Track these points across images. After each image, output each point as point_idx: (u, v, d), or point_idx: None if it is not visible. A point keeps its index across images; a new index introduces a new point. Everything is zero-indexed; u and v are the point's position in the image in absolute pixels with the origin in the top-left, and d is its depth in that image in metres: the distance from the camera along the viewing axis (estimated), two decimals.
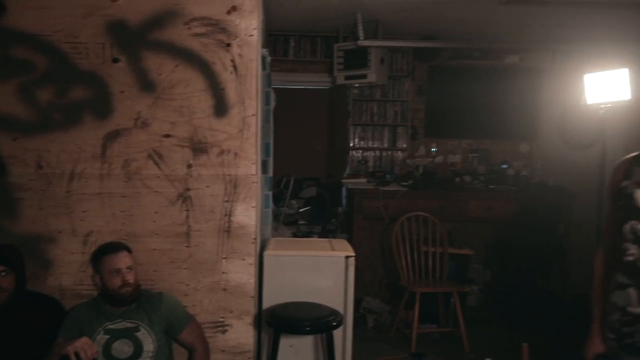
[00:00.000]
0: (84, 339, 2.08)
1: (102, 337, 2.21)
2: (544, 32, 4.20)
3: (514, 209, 4.19)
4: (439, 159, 4.59)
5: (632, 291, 1.56)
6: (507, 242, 4.29)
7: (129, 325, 2.24)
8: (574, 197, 4.29)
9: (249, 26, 2.39)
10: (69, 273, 2.38)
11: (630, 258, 1.56)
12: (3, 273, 2.17)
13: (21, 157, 2.35)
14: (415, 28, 4.32)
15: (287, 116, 4.38)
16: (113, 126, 2.38)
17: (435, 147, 4.70)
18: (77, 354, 2.01)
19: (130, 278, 2.24)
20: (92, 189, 2.38)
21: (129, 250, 2.30)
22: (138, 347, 2.21)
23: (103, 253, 2.28)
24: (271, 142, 3.13)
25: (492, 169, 4.59)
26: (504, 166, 4.55)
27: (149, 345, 2.22)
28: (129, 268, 2.25)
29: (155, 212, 2.41)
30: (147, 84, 2.37)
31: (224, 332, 2.45)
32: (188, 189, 2.40)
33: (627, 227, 1.58)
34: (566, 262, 4.28)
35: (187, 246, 2.42)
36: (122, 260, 2.25)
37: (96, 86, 2.36)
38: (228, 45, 2.38)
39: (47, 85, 2.35)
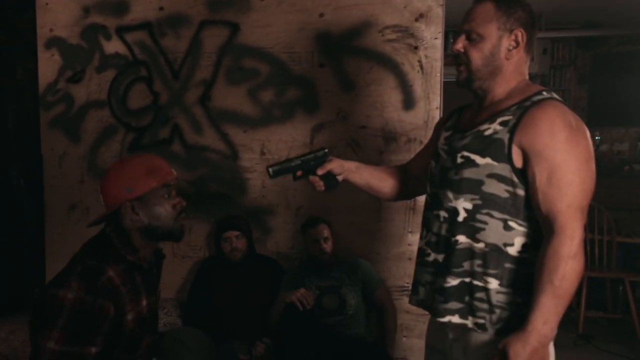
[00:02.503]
0: (303, 290, 2.60)
1: (314, 292, 2.71)
2: None
3: None
4: (603, 147, 4.53)
5: None
6: None
7: (334, 283, 2.70)
8: None
9: (435, 31, 2.72)
10: (283, 239, 2.95)
11: None
12: (238, 236, 2.78)
13: (249, 146, 2.96)
14: (579, 16, 4.30)
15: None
16: (319, 120, 2.87)
17: (599, 136, 4.63)
18: (300, 301, 2.54)
19: (327, 247, 2.70)
20: None
21: (327, 224, 2.78)
22: (342, 302, 2.67)
23: (306, 226, 2.79)
24: None
25: None
26: None
27: (351, 300, 2.67)
28: (326, 239, 2.71)
29: (352, 191, 2.86)
30: (347, 84, 2.83)
31: (409, 295, 2.84)
32: None
33: None
34: None
35: (378, 221, 2.85)
36: (320, 233, 2.71)
37: (306, 87, 2.87)
38: (415, 48, 2.74)
39: (268, 88, 2.92)
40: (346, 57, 2.82)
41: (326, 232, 2.72)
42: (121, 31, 3.05)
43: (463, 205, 1.46)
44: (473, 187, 1.44)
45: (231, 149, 2.97)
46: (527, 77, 1.53)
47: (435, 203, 1.57)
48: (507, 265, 1.43)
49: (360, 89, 2.82)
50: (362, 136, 2.83)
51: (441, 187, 1.54)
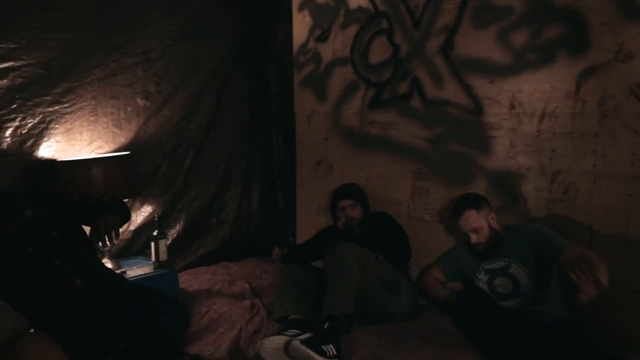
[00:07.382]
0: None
1: (483, 277, 2.33)
2: None
3: None
4: None
5: None
6: None
7: (501, 263, 2.27)
8: None
9: None
10: (534, 210, 2.46)
11: None
12: (352, 205, 2.69)
13: (496, 98, 2.54)
14: None
15: None
16: (589, 62, 2.25)
17: None
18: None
19: (478, 237, 2.30)
20: (563, 128, 2.35)
21: (477, 208, 2.31)
22: (516, 284, 2.22)
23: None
24: None
25: None
26: None
27: (524, 280, 2.20)
28: (474, 230, 2.30)
29: (634, 154, 2.19)
30: (632, 10, 2.13)
31: None
32: None
33: None
34: None
35: None
36: (464, 224, 2.33)
37: (573, 22, 2.28)
38: None
39: (522, 28, 2.42)
40: None
41: (473, 222, 2.30)
42: None
43: None
44: None
45: (475, 103, 2.60)
46: None
47: None
48: None
49: None
50: None
51: None
